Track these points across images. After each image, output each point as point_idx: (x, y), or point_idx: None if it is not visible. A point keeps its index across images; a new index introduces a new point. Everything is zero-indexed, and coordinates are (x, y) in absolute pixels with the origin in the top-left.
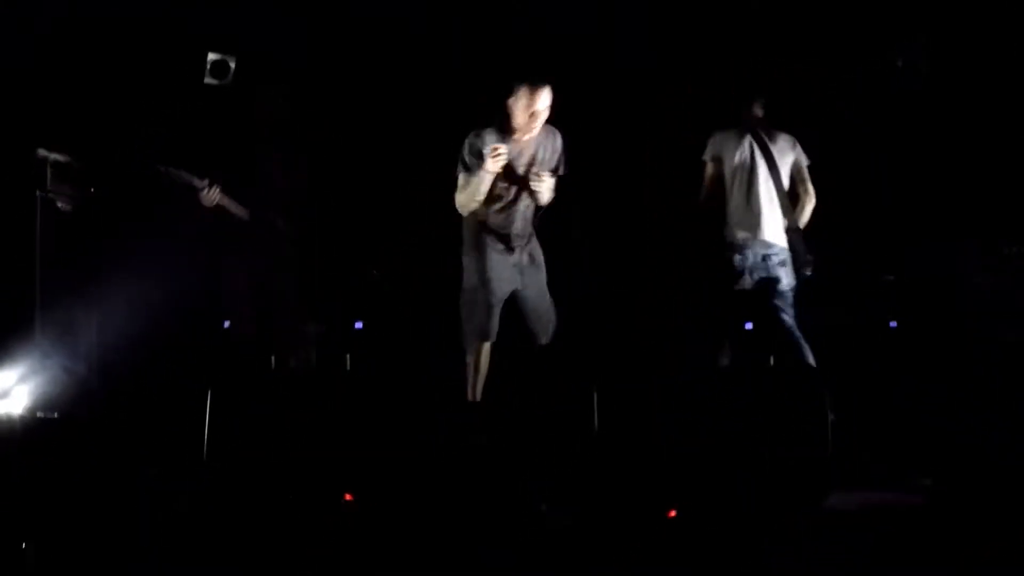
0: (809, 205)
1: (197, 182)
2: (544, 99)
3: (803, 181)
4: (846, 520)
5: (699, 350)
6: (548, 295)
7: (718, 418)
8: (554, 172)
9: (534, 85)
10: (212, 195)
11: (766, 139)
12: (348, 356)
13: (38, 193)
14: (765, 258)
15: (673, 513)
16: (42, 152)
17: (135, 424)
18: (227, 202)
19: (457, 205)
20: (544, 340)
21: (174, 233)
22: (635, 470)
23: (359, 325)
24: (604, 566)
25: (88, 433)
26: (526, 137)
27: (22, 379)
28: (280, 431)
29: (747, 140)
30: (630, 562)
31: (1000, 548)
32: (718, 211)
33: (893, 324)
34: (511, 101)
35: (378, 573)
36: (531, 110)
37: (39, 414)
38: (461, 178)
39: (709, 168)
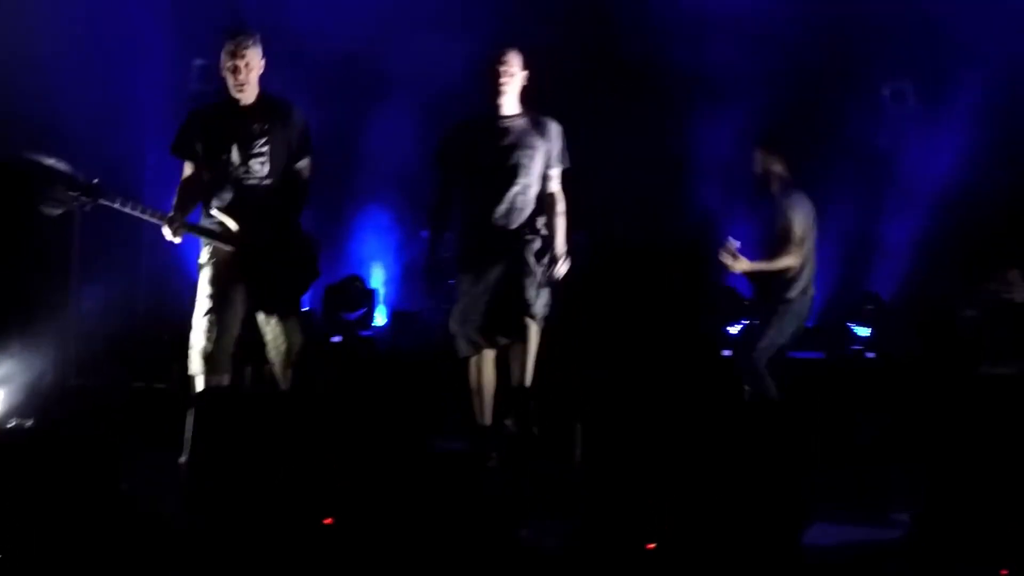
0: None
1: (158, 218)
2: (508, 59)
3: None
4: (824, 554)
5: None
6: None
7: (698, 453)
8: (555, 165)
9: (497, 49)
10: (174, 230)
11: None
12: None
13: (21, 197)
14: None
15: (652, 546)
16: (27, 155)
17: (112, 433)
18: (193, 232)
19: None
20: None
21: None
22: (616, 502)
23: (337, 339)
24: None
25: (64, 444)
26: (506, 112)
27: None
28: (262, 450)
29: (807, 198)
30: None
31: None
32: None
33: (870, 355)
34: (483, 71)
35: None
36: (494, 69)
37: (13, 421)
38: None
39: (801, 229)
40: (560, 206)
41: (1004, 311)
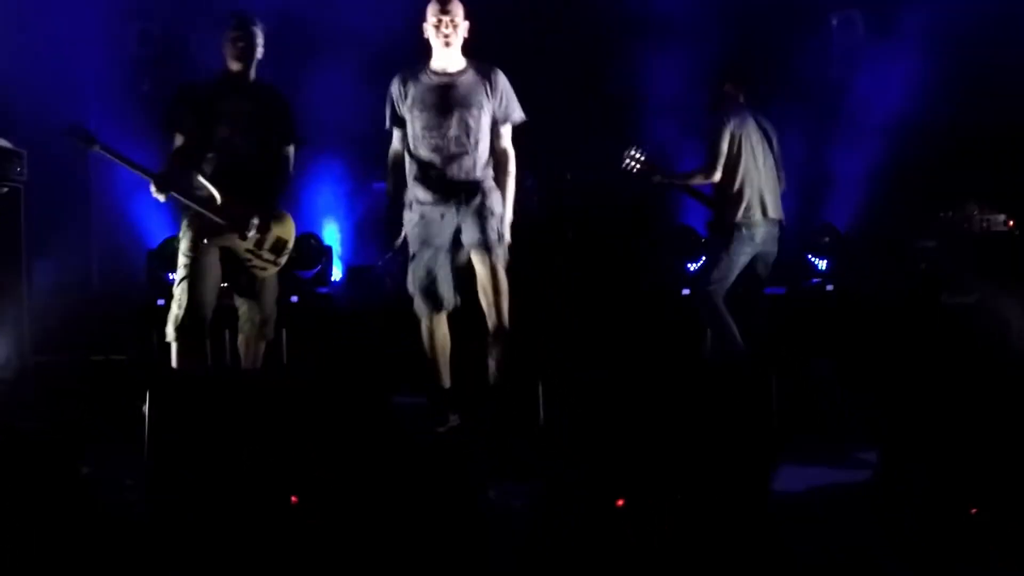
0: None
1: (147, 174)
2: (451, 8)
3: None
4: (794, 499)
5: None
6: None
7: (664, 408)
8: (505, 121)
9: None
10: (160, 188)
11: (763, 120)
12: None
13: None
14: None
15: (621, 502)
16: None
17: (71, 418)
18: (179, 194)
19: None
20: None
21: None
22: (581, 461)
23: (294, 299)
24: (554, 554)
25: (22, 428)
26: (449, 68)
27: None
28: (223, 432)
29: (752, 120)
30: (580, 551)
31: (947, 524)
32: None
33: (830, 288)
34: (424, 24)
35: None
36: (437, 19)
37: None
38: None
39: (728, 144)
40: (511, 165)
41: (961, 241)
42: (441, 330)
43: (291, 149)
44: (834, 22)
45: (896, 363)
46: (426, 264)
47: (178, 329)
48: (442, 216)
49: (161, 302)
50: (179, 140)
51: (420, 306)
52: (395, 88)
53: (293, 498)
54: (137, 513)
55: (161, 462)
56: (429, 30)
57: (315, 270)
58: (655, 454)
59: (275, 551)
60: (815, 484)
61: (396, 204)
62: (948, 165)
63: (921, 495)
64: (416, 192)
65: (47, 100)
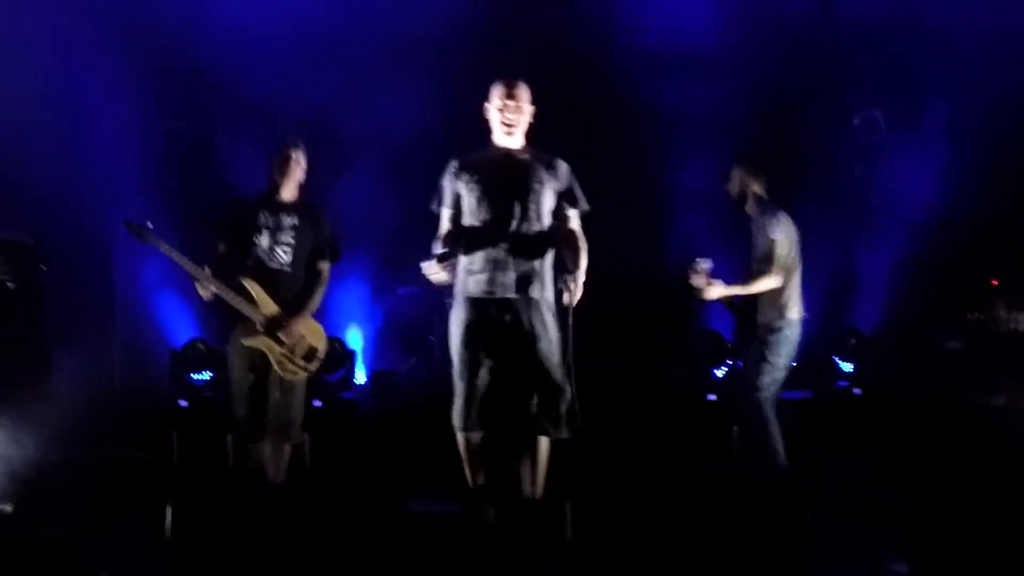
0: None
1: (195, 270)
2: (519, 92)
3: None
4: None
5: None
6: (559, 372)
7: (693, 528)
8: (570, 204)
9: (506, 79)
10: (208, 286)
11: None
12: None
13: None
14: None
15: None
16: None
17: (89, 519)
18: (223, 291)
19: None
20: (552, 433)
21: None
22: None
23: (318, 403)
24: None
25: (43, 528)
26: (512, 146)
27: None
28: (244, 539)
29: (788, 219)
30: None
31: None
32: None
33: (857, 391)
34: (488, 105)
35: None
36: (502, 103)
37: None
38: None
39: (785, 249)
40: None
41: (988, 342)
42: (479, 436)
43: (327, 264)
44: (856, 122)
45: (923, 465)
46: (461, 374)
47: (244, 427)
48: (487, 319)
49: (184, 403)
50: (221, 247)
51: (456, 424)
52: (453, 169)
53: None
54: None
55: (182, 567)
56: (492, 113)
57: (339, 374)
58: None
59: None
60: None
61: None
62: (974, 263)
63: None
64: (465, 283)
65: (74, 195)
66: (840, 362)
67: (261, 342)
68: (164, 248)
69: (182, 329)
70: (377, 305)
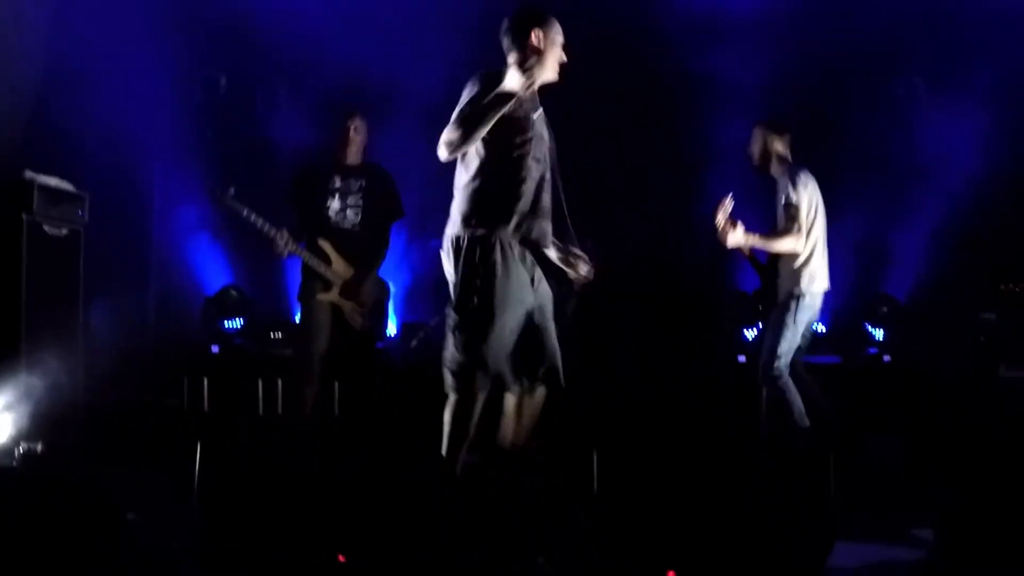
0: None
1: (274, 233)
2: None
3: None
4: None
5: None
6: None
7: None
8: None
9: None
10: (285, 245)
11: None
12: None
13: (24, 216)
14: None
15: (672, 573)
16: (29, 174)
17: (121, 460)
18: (300, 251)
19: (446, 143)
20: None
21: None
22: (634, 529)
23: None
24: None
25: (72, 471)
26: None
27: (6, 407)
28: (273, 482)
29: (813, 181)
30: None
31: None
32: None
33: (887, 358)
34: (540, 38)
35: None
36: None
37: (23, 445)
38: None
39: (805, 208)
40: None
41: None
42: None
43: (391, 223)
44: (897, 90)
45: (955, 437)
46: (498, 330)
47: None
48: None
49: (216, 349)
50: (296, 213)
51: (507, 381)
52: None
53: (340, 557)
54: (182, 561)
55: (210, 509)
56: (551, 50)
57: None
58: (709, 529)
59: None
60: (870, 561)
61: None
62: (1010, 233)
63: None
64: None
65: (111, 144)
66: (871, 328)
67: (335, 297)
68: (246, 213)
69: (216, 276)
70: (408, 257)
